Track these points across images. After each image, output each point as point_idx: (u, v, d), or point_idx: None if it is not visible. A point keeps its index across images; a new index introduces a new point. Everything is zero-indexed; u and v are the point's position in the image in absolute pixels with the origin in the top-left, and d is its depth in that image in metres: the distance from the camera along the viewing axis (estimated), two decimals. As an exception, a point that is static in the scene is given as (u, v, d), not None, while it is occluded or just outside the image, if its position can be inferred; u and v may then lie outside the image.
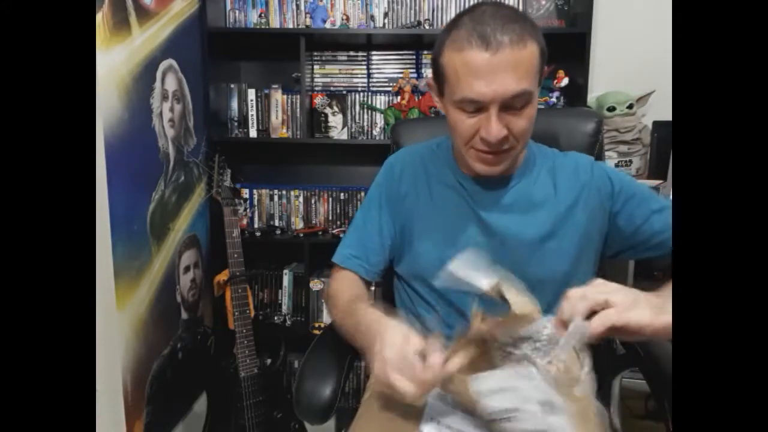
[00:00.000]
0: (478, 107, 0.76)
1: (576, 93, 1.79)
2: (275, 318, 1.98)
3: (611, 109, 1.76)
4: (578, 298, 0.61)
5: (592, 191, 0.88)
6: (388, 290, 1.08)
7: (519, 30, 0.72)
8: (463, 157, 0.86)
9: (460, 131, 0.80)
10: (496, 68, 0.71)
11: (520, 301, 0.64)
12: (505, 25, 0.72)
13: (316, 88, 1.98)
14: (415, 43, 1.92)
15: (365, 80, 1.98)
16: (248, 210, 1.99)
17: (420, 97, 1.88)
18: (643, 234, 0.86)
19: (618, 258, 0.92)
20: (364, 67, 1.97)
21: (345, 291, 0.92)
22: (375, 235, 0.95)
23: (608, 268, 1.06)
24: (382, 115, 1.92)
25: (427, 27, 1.86)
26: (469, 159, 0.83)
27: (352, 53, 1.97)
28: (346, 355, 0.91)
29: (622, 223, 0.88)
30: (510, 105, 0.75)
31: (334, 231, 1.95)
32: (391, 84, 1.95)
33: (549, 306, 0.87)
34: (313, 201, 1.98)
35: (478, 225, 0.88)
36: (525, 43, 0.72)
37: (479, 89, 0.73)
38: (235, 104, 1.93)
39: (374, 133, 1.95)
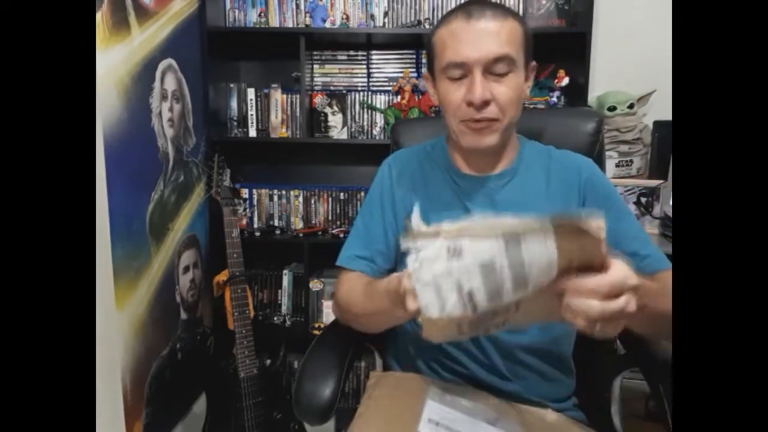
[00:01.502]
0: (462, 73, 0.80)
1: (576, 93, 1.78)
2: (275, 318, 1.98)
3: (612, 108, 1.76)
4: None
5: (582, 192, 0.88)
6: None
7: (502, 9, 0.81)
8: (457, 144, 0.88)
9: (449, 102, 0.83)
10: (478, 34, 0.78)
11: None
12: (488, 4, 0.81)
13: (316, 88, 1.97)
14: (415, 42, 1.92)
15: (365, 80, 1.98)
16: (248, 210, 1.98)
17: (420, 97, 1.88)
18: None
19: None
20: (364, 66, 1.97)
21: (357, 284, 0.89)
22: (380, 236, 0.94)
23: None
24: (382, 115, 1.92)
25: (427, 26, 1.86)
26: (460, 136, 0.85)
27: (352, 53, 1.97)
28: (346, 355, 0.91)
29: None
30: (492, 70, 0.79)
31: (333, 231, 1.95)
32: (391, 83, 1.95)
33: (541, 324, 0.88)
34: (312, 201, 1.98)
35: None
36: (506, 17, 0.80)
37: (463, 52, 0.79)
38: (234, 104, 1.93)
39: (374, 132, 1.95)
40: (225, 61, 1.90)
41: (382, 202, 0.95)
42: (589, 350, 1.00)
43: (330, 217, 1.98)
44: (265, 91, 1.91)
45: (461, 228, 0.54)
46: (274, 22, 1.90)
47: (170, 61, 1.55)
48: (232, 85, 1.92)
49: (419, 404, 0.77)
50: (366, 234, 0.95)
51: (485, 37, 0.78)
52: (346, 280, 0.93)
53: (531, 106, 1.72)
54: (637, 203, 1.60)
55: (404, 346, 0.95)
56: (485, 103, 0.79)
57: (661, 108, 1.81)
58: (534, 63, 0.86)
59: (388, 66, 1.97)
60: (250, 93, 1.90)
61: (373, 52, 1.96)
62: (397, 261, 0.96)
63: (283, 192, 1.98)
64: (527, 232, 0.51)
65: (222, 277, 1.63)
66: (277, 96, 1.90)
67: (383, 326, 0.88)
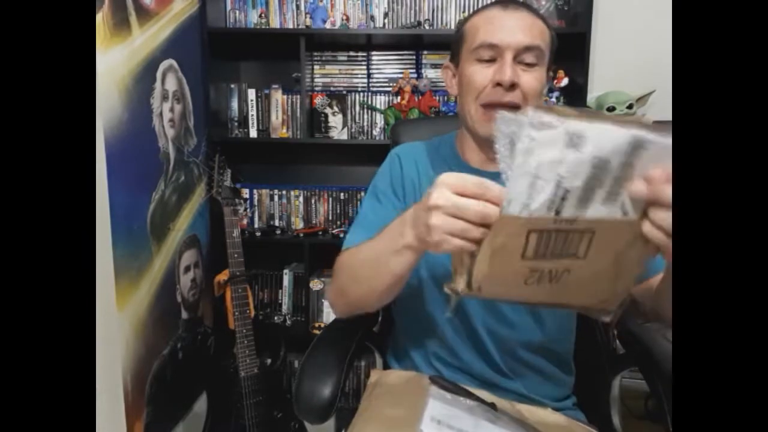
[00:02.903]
0: (492, 55, 0.83)
1: (576, 93, 1.79)
2: (275, 318, 1.98)
3: (611, 109, 1.76)
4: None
5: None
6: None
7: (534, 12, 0.85)
8: (472, 134, 0.88)
9: (474, 83, 0.84)
10: (513, 23, 0.82)
11: None
12: (523, 3, 0.86)
13: (316, 88, 1.98)
14: (415, 43, 1.92)
15: (365, 80, 1.98)
16: (248, 210, 1.99)
17: (420, 97, 1.89)
18: None
19: None
20: (364, 67, 1.97)
21: (361, 245, 0.82)
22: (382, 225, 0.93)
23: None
24: (382, 115, 1.92)
25: (427, 27, 1.86)
26: (477, 120, 0.86)
27: (352, 53, 1.97)
28: (346, 354, 0.91)
29: None
30: (522, 59, 0.82)
31: (334, 231, 1.95)
32: (391, 84, 1.95)
33: (541, 320, 0.88)
34: (313, 201, 1.98)
35: None
36: (538, 18, 0.84)
37: (497, 34, 0.82)
38: (235, 104, 1.93)
39: (374, 133, 1.95)
40: (226, 62, 1.91)
41: (393, 189, 0.94)
42: (589, 350, 1.00)
43: (330, 217, 1.98)
44: (266, 91, 1.91)
45: (589, 116, 0.47)
46: (275, 22, 1.90)
47: (171, 61, 1.55)
48: (232, 86, 1.92)
49: (421, 402, 0.77)
50: (375, 220, 0.90)
51: (520, 26, 0.82)
52: (349, 250, 0.86)
53: (531, 107, 1.73)
54: (637, 203, 1.60)
55: (404, 344, 0.96)
56: (512, 86, 0.81)
57: (661, 108, 1.82)
58: (551, 73, 0.89)
59: (388, 67, 1.97)
60: (251, 93, 1.91)
61: (373, 53, 1.96)
62: None
63: (284, 192, 1.99)
64: (651, 140, 0.47)
65: (223, 276, 1.63)
66: (278, 96, 1.90)
67: (380, 284, 0.76)
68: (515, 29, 0.81)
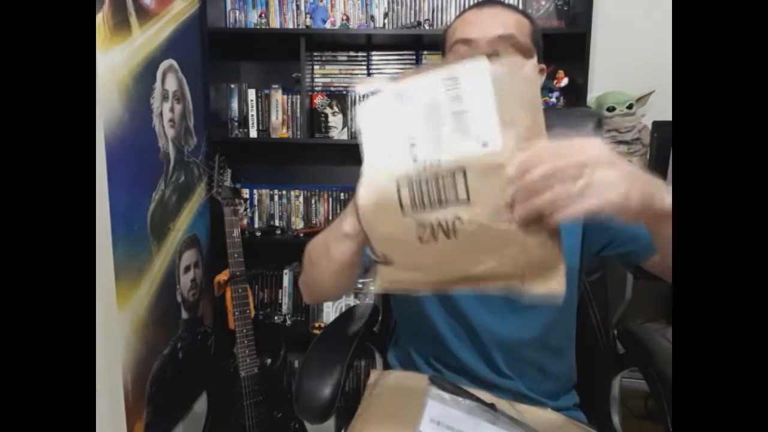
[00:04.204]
0: (468, 51, 0.84)
1: (576, 93, 1.79)
2: (275, 318, 1.98)
3: (611, 109, 1.76)
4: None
5: None
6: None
7: (513, 8, 0.86)
8: None
9: None
10: (486, 18, 0.84)
11: None
12: (498, 3, 0.87)
13: (316, 88, 1.98)
14: (415, 43, 1.92)
15: (365, 80, 1.98)
16: (248, 210, 1.99)
17: (420, 97, 1.88)
18: (616, 227, 0.86)
19: (600, 255, 0.91)
20: (364, 67, 1.97)
21: None
22: None
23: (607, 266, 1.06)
24: (382, 115, 1.92)
25: (427, 27, 1.86)
26: None
27: (352, 53, 1.97)
28: (346, 354, 0.91)
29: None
30: (497, 52, 0.80)
31: (334, 231, 1.95)
32: (391, 84, 1.95)
33: (540, 316, 0.87)
34: (313, 201, 1.98)
35: None
36: (516, 12, 0.85)
37: (470, 30, 0.83)
38: (235, 104, 1.93)
39: (374, 133, 1.95)
40: (226, 62, 1.91)
41: None
42: (589, 350, 1.00)
43: (330, 217, 1.98)
44: (266, 91, 1.91)
45: (403, 77, 0.56)
46: (275, 22, 1.90)
47: (171, 61, 1.55)
48: (232, 86, 1.92)
49: (420, 403, 0.77)
50: None
51: (493, 20, 0.83)
52: None
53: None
54: (637, 203, 1.59)
55: (404, 344, 0.96)
56: None
57: (660, 108, 1.82)
58: (543, 66, 0.87)
59: (388, 67, 1.97)
60: (251, 93, 1.91)
61: (373, 53, 1.96)
62: None
63: (284, 192, 1.99)
64: (465, 72, 0.53)
65: (223, 276, 1.63)
66: (278, 96, 1.90)
67: (327, 270, 0.76)
68: (488, 23, 0.83)
